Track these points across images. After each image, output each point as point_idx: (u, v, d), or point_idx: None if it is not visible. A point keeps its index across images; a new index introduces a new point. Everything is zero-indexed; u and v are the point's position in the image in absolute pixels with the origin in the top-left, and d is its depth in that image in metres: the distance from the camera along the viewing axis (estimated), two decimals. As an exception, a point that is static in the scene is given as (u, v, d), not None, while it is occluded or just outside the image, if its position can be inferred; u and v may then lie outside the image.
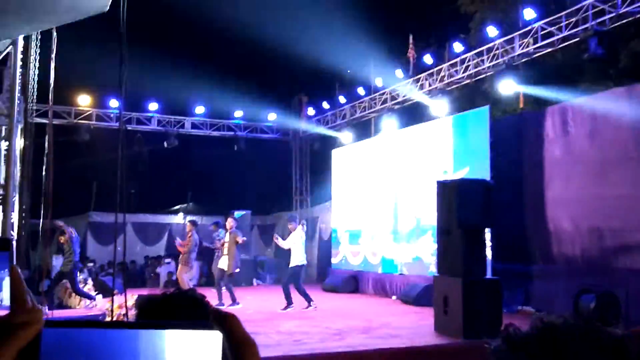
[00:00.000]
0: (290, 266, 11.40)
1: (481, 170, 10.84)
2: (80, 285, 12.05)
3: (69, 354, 0.65)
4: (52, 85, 10.06)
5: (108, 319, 8.82)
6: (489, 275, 9.04)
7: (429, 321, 8.57)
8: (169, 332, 0.67)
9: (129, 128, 16.47)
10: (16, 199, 10.10)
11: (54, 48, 9.92)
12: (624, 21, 10.02)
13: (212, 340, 0.68)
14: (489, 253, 9.80)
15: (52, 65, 9.86)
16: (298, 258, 11.29)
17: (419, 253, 12.87)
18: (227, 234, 11.88)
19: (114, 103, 16.48)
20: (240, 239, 11.81)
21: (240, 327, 0.69)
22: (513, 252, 10.89)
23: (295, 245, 11.36)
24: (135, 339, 0.67)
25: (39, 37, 11.97)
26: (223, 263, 11.71)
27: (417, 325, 9.08)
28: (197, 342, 0.67)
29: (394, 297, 13.14)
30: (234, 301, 11.42)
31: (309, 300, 11.12)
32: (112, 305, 7.91)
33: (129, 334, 0.67)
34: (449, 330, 7.97)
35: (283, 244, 11.66)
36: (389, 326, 9.07)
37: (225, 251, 11.72)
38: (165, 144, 17.24)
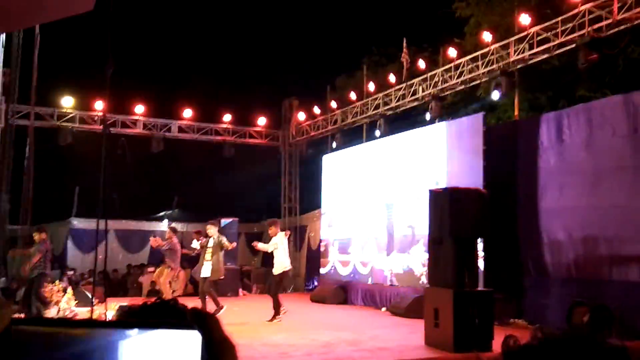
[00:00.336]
0: (275, 274, 11.00)
1: (474, 178, 10.61)
2: (59, 294, 11.70)
3: (40, 352, 0.65)
4: (34, 84, 9.72)
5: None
6: (481, 286, 8.84)
7: (419, 334, 8.42)
8: (145, 332, 0.68)
9: (114, 131, 16.11)
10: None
11: (37, 46, 9.59)
12: (621, 27, 9.84)
13: (190, 340, 0.67)
14: (481, 264, 9.58)
15: (35, 64, 9.52)
16: (282, 264, 10.92)
17: (410, 263, 12.63)
18: (211, 239, 11.37)
19: (98, 105, 16.12)
20: (229, 245, 11.34)
21: (220, 328, 0.72)
22: (506, 263, 10.69)
23: (278, 251, 10.98)
24: (110, 338, 0.67)
25: (21, 36, 11.65)
26: (205, 271, 11.19)
27: (407, 338, 8.94)
28: (175, 342, 0.67)
29: (383, 309, 12.89)
30: (217, 305, 10.92)
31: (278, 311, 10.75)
32: (92, 316, 7.59)
33: (104, 333, 0.67)
34: (440, 343, 7.85)
35: (264, 247, 11.25)
36: (377, 339, 8.88)
37: (208, 257, 11.18)
38: (152, 148, 16.90)
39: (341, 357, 7.56)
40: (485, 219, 8.12)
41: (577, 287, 9.52)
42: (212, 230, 11.43)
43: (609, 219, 9.27)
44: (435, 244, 8.32)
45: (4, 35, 9.55)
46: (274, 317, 10.63)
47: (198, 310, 0.73)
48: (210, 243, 11.26)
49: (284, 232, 11.36)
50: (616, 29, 9.89)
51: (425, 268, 10.26)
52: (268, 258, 16.87)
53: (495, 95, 11.77)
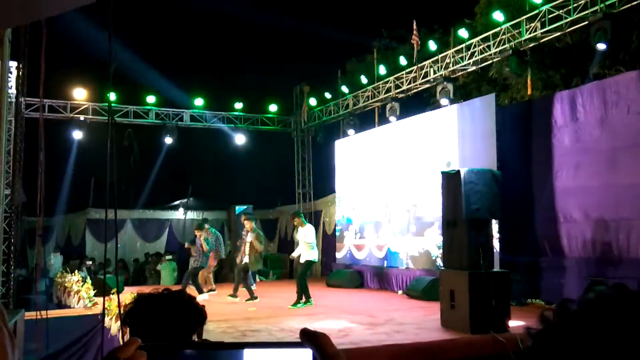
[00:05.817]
0: (305, 260, 11.13)
1: (487, 159, 10.54)
2: (79, 284, 11.84)
3: None
4: (42, 78, 9.75)
5: (107, 318, 8.62)
6: (496, 267, 8.81)
7: (436, 316, 8.40)
8: (265, 351, 0.76)
9: (125, 122, 16.18)
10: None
11: (44, 40, 9.61)
12: (634, 2, 9.65)
13: (302, 357, 0.77)
14: (496, 245, 9.54)
15: (42, 57, 9.55)
16: (309, 254, 11.14)
17: (425, 246, 12.61)
18: (249, 233, 11.75)
19: (111, 97, 16.17)
20: (259, 247, 11.68)
21: (331, 344, 0.77)
22: (521, 244, 10.63)
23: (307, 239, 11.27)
24: (235, 358, 0.75)
25: (28, 30, 11.70)
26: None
27: (423, 320, 8.92)
28: (291, 359, 0.77)
29: (399, 292, 12.90)
30: (251, 294, 11.47)
31: (304, 297, 10.90)
32: (104, 304, 7.65)
33: (229, 354, 0.76)
34: (456, 325, 7.83)
35: (296, 253, 11.51)
36: (394, 322, 8.88)
37: (247, 251, 11.66)
38: (165, 138, 16.97)
39: (358, 340, 7.57)
40: (499, 199, 8.05)
41: (593, 267, 9.47)
42: (247, 224, 11.95)
43: (625, 197, 9.17)
44: (449, 226, 8.28)
45: (9, 30, 9.64)
46: (306, 301, 10.80)
47: (308, 330, 0.79)
48: (249, 237, 11.77)
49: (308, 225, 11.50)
50: (629, 5, 9.72)
51: (441, 250, 10.24)
52: (284, 244, 16.87)
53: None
